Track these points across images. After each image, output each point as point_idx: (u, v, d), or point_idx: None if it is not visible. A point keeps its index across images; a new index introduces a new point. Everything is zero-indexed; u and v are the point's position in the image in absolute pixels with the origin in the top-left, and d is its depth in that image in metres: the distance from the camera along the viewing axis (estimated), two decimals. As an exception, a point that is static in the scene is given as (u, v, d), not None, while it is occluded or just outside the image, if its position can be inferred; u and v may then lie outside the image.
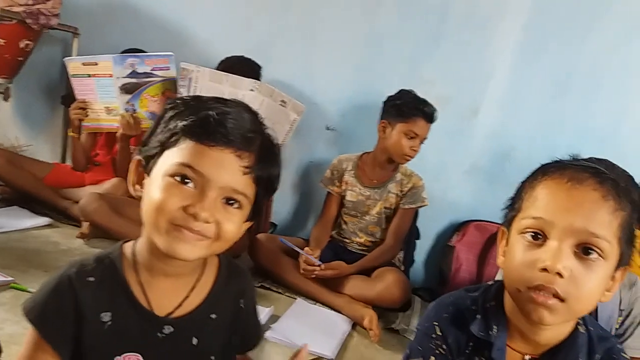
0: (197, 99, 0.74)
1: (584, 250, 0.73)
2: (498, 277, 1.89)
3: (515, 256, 0.79)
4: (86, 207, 2.06)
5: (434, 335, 0.90)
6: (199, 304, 0.80)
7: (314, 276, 2.06)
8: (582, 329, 0.84)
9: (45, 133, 3.05)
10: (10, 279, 1.61)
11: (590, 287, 0.73)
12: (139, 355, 0.75)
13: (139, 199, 0.73)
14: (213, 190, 0.69)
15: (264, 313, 1.86)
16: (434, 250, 2.60)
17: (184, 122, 0.70)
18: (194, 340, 0.79)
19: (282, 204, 2.74)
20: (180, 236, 0.68)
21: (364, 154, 2.36)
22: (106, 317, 0.72)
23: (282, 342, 1.72)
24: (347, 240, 2.33)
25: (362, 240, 2.31)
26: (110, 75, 2.25)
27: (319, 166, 2.65)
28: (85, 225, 2.09)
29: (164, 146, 0.71)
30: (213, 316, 0.81)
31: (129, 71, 2.24)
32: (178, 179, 0.69)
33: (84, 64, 2.26)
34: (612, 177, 0.75)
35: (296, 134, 2.66)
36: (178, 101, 0.74)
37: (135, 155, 0.76)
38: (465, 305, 0.91)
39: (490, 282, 0.94)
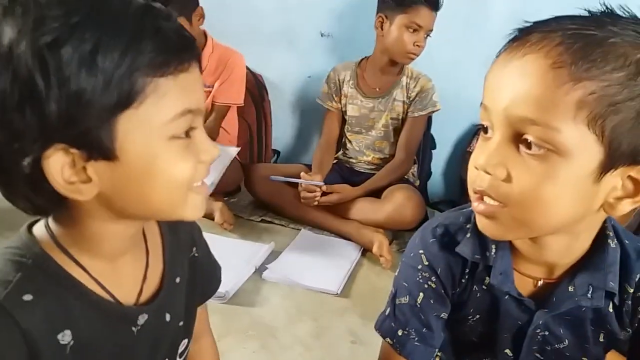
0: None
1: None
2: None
3: None
4: None
5: (420, 267, 0.73)
6: (162, 273, 0.64)
7: (316, 203, 1.87)
8: (612, 243, 0.65)
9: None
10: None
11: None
12: None
13: (77, 196, 0.49)
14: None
15: (262, 250, 1.71)
16: (453, 158, 2.35)
17: (144, 57, 0.46)
18: (167, 317, 0.64)
19: (282, 128, 2.51)
20: (201, 193, 0.55)
21: (363, 59, 2.06)
22: (66, 337, 0.53)
23: (281, 281, 1.58)
24: (354, 160, 2.10)
25: (369, 158, 2.08)
26: None
27: (319, 80, 2.35)
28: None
29: (120, 105, 0.45)
30: (177, 280, 0.66)
31: None
32: (183, 135, 0.51)
33: None
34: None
35: (288, 46, 2.39)
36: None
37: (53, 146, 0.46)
38: (457, 223, 0.73)
39: None
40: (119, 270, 0.58)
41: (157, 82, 0.46)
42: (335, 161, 2.11)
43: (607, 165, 0.52)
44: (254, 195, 2.05)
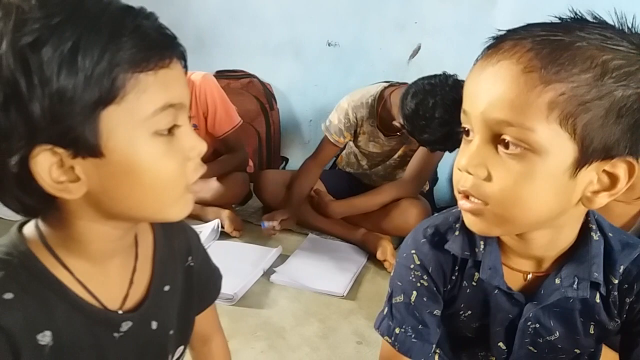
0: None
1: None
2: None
3: None
4: None
5: (412, 266, 0.76)
6: (150, 280, 0.64)
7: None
8: (595, 236, 0.68)
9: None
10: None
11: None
12: None
13: (66, 195, 0.49)
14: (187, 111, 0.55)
15: (270, 254, 1.75)
16: (459, 164, 2.36)
17: (124, 53, 0.46)
18: (154, 325, 0.64)
19: (290, 136, 2.56)
20: (194, 192, 0.56)
21: (378, 99, 1.85)
22: (45, 338, 0.53)
23: (289, 284, 1.61)
24: (366, 181, 2.09)
25: (380, 182, 2.03)
26: None
27: (325, 89, 2.44)
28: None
29: (102, 101, 0.46)
30: (166, 288, 0.66)
31: None
32: (166, 132, 0.51)
33: None
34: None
35: (295, 55, 2.44)
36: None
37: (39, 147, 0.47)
38: (446, 222, 0.76)
39: None
40: (106, 272, 0.58)
41: (137, 77, 0.47)
42: (345, 169, 2.13)
43: (582, 161, 0.55)
44: (263, 201, 2.08)
